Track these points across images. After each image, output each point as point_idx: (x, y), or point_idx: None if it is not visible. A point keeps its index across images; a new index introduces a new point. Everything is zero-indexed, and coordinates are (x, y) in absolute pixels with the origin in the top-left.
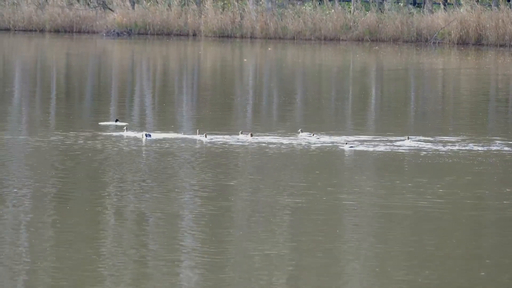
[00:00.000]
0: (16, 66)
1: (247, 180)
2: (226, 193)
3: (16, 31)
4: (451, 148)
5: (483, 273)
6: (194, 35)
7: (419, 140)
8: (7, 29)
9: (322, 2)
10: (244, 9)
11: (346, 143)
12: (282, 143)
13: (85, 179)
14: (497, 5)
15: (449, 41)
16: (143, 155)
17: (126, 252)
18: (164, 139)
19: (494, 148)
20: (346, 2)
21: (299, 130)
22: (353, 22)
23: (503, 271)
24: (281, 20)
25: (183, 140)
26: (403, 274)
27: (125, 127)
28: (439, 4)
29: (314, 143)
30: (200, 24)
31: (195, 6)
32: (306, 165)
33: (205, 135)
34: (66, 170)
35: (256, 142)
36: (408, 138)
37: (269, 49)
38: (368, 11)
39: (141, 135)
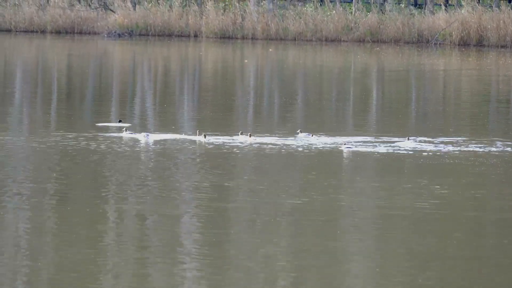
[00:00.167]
0: (17, 67)
1: (246, 181)
2: (226, 194)
3: (17, 32)
4: (451, 149)
5: (483, 274)
6: (195, 36)
7: (419, 141)
8: (8, 30)
9: (323, 3)
10: (245, 10)
11: (344, 144)
12: (281, 144)
13: (85, 180)
14: (498, 6)
15: (450, 42)
16: (143, 156)
17: (126, 253)
18: (164, 140)
19: (495, 149)
20: (347, 3)
21: (298, 131)
22: (354, 23)
23: (504, 272)
24: (282, 21)
25: (183, 141)
26: (403, 275)
27: (124, 128)
28: (440, 5)
29: (313, 144)
30: (201, 25)
31: (196, 7)
32: (305, 166)
33: (204, 135)
34: (66, 171)
35: (255, 143)
36: (409, 139)
37: (270, 50)
38: (369, 12)
39: (142, 136)
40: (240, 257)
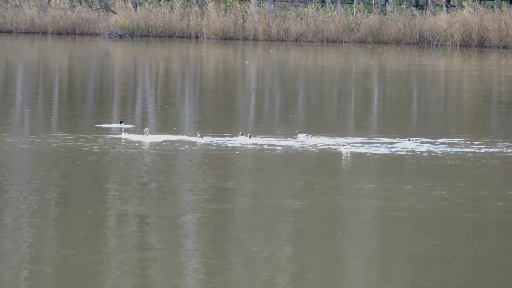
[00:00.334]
0: (18, 68)
1: (246, 183)
2: (225, 195)
3: (18, 34)
4: (453, 150)
5: (484, 275)
6: (197, 37)
7: (421, 142)
8: (10, 32)
9: (325, 4)
10: (247, 11)
11: (344, 145)
12: (280, 145)
13: (86, 181)
14: (500, 7)
15: (452, 43)
16: (143, 157)
17: (127, 254)
18: (164, 141)
19: (497, 150)
20: (349, 4)
21: (297, 131)
22: (356, 24)
23: (505, 272)
24: (284, 22)
25: (182, 142)
26: (404, 276)
27: (123, 129)
28: (442, 6)
29: (313, 145)
30: (202, 26)
31: (198, 8)
32: (305, 167)
33: (201, 136)
34: (67, 172)
35: (254, 144)
36: (409, 140)
37: (271, 51)
38: (370, 13)
39: (144, 131)
40: (241, 259)
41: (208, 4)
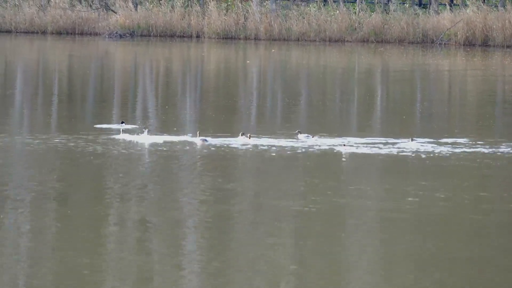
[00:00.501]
0: (17, 68)
1: (247, 184)
2: (226, 197)
3: (17, 33)
4: (456, 150)
5: (488, 277)
6: (198, 36)
7: (425, 142)
8: (9, 31)
9: (327, 3)
10: (248, 10)
11: (344, 145)
12: (281, 146)
13: (85, 182)
14: (504, 6)
15: (455, 42)
16: (143, 158)
17: (127, 257)
18: (164, 141)
19: (501, 150)
20: (351, 3)
21: (297, 132)
22: (358, 23)
23: (508, 274)
24: (286, 21)
25: (183, 142)
26: (407, 278)
27: (121, 129)
28: (445, 5)
29: (313, 145)
30: (203, 25)
31: (199, 7)
32: (306, 168)
33: (198, 135)
34: (66, 173)
35: (254, 144)
36: (412, 140)
37: (273, 50)
38: (373, 12)
39: (142, 132)
40: (242, 261)
41: (209, 3)
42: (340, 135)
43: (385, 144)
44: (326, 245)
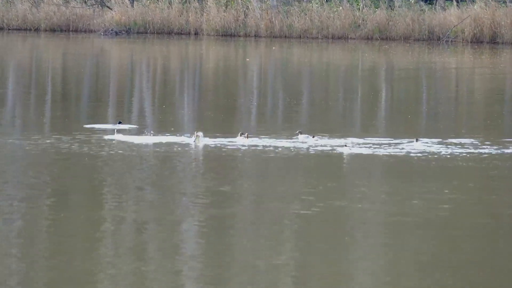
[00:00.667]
0: (10, 66)
1: (246, 186)
2: (225, 199)
3: (10, 30)
4: (463, 151)
5: (495, 281)
6: (196, 34)
7: (430, 142)
8: (1, 28)
9: None
10: (248, 6)
11: (346, 145)
12: (281, 146)
13: (80, 185)
14: None
15: (463, 39)
16: (139, 159)
17: (124, 261)
18: (160, 142)
19: (509, 151)
20: None
21: (298, 132)
22: (362, 20)
23: None
24: (287, 18)
25: (180, 143)
26: (412, 283)
27: (116, 130)
28: (452, 0)
29: (314, 146)
30: (202, 22)
31: (197, 3)
32: (307, 169)
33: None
34: (60, 175)
35: (254, 145)
36: (417, 140)
37: (274, 48)
38: (377, 8)
39: (147, 133)
40: (242, 266)
41: None
42: (343, 135)
43: (389, 144)
44: (328, 249)
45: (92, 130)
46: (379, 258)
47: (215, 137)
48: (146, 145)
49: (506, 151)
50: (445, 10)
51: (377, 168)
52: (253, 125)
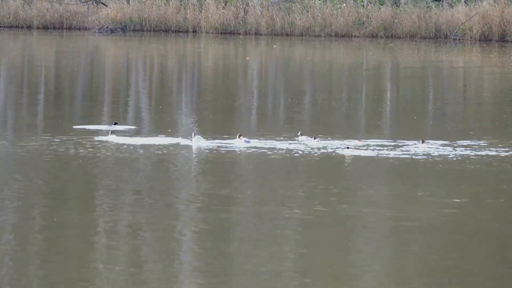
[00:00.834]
0: (1, 65)
1: (245, 189)
2: (222, 204)
3: (1, 28)
4: (471, 153)
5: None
6: (194, 31)
7: (437, 144)
8: None
9: None
10: (248, 3)
11: (348, 147)
12: (280, 148)
13: (73, 188)
14: None
15: (471, 38)
16: (134, 161)
17: (118, 269)
18: (157, 144)
19: None
20: None
21: (299, 133)
22: (367, 17)
23: None
24: (289, 15)
25: (177, 145)
26: None
27: (110, 131)
28: None
29: (315, 148)
30: (200, 19)
31: (195, 0)
32: (308, 172)
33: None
34: (53, 178)
35: (252, 147)
36: (423, 142)
37: (275, 46)
38: (382, 5)
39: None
40: (241, 273)
41: None
42: (346, 137)
43: (394, 146)
44: (331, 255)
45: (86, 132)
46: (383, 264)
47: (214, 138)
48: (142, 147)
49: None
50: (452, 7)
51: (381, 171)
52: (253, 126)
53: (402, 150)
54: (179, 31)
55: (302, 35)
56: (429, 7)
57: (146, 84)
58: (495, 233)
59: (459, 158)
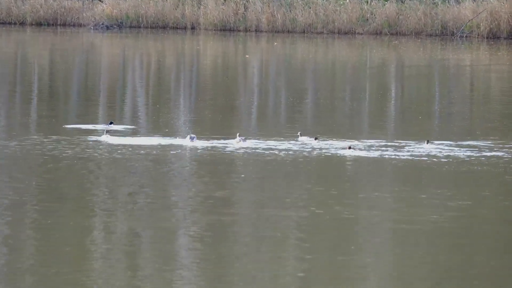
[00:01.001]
0: None
1: (245, 191)
2: (221, 206)
3: None
4: (478, 154)
5: None
6: (193, 28)
7: (443, 145)
8: None
9: None
10: None
11: (350, 148)
12: (280, 149)
13: (68, 189)
14: None
15: (478, 35)
16: (129, 162)
17: (115, 272)
18: (154, 144)
19: None
20: None
21: (298, 134)
22: (370, 14)
23: None
24: (290, 11)
25: (174, 145)
26: None
27: (105, 131)
28: None
29: (316, 148)
30: (199, 16)
31: None
32: (308, 174)
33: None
34: (47, 179)
35: (252, 148)
36: (428, 143)
37: (276, 43)
38: (387, 1)
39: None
40: (240, 277)
41: None
42: (349, 137)
43: (397, 147)
44: (333, 258)
45: (80, 131)
46: (385, 267)
47: (212, 138)
48: (138, 147)
49: None
50: (459, 3)
51: (384, 173)
52: (253, 126)
53: (406, 151)
54: (177, 28)
55: (304, 32)
56: (435, 3)
57: (143, 82)
58: (501, 236)
59: (465, 159)
